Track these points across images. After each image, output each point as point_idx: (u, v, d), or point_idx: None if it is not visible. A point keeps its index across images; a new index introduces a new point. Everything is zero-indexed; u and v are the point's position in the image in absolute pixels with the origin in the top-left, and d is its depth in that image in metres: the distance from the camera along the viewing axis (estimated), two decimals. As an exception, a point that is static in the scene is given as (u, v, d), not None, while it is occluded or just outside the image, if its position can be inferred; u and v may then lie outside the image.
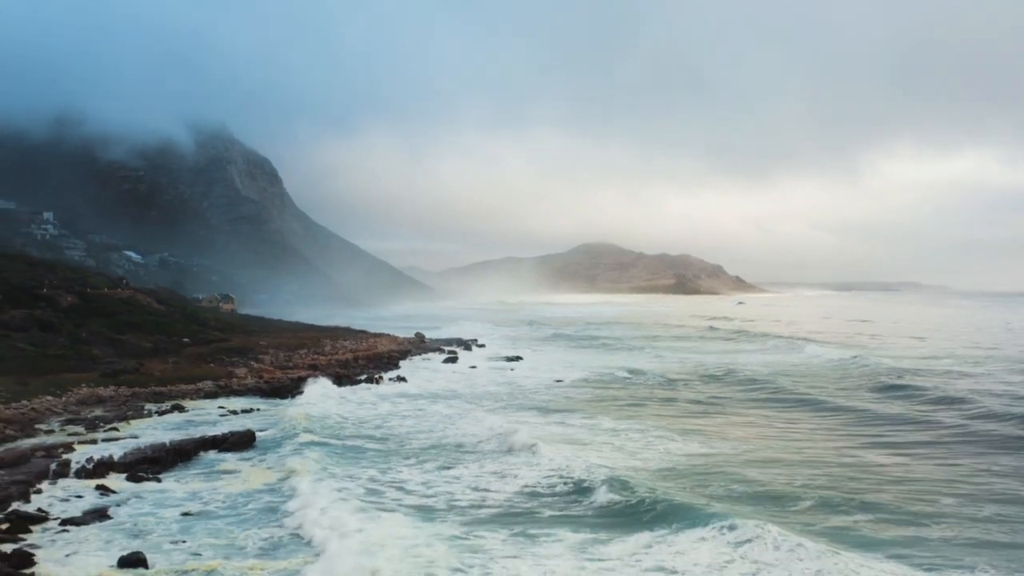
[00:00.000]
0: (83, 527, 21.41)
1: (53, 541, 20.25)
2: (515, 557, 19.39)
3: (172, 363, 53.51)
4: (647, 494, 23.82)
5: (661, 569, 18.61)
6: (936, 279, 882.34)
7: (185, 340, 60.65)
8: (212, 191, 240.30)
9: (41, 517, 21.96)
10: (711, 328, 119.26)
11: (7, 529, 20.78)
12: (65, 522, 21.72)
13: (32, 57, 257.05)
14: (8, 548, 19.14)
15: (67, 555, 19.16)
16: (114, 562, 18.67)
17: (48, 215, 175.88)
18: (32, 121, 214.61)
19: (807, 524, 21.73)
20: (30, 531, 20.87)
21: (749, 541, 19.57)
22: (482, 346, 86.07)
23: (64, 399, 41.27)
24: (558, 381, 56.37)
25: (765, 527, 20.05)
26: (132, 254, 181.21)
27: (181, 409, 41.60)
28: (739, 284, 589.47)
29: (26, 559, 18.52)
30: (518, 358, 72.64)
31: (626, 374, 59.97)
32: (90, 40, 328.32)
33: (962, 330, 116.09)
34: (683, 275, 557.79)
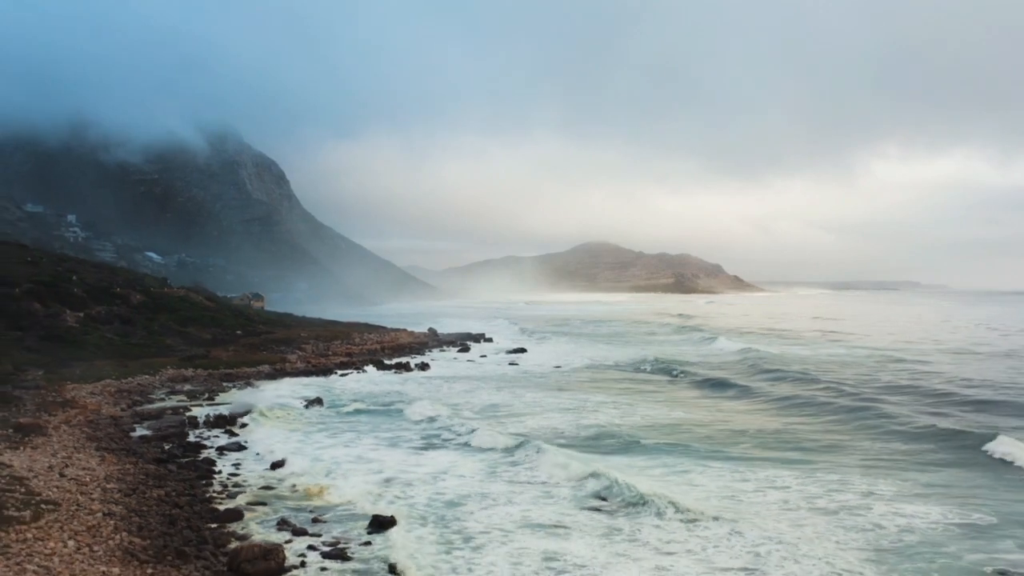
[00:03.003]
0: (233, 452, 31.34)
1: (219, 458, 30.20)
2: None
3: (232, 351, 63.46)
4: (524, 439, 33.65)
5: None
6: (936, 278, 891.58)
7: (238, 332, 70.63)
8: (224, 193, 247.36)
9: (203, 446, 31.98)
10: (666, 324, 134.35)
11: (183, 451, 30.77)
12: (219, 448, 31.71)
13: (46, 63, 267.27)
14: (198, 458, 29.29)
15: (234, 464, 29.12)
16: (268, 466, 28.66)
17: (71, 217, 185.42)
18: (48, 126, 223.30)
19: (593, 448, 32.67)
20: (199, 453, 30.84)
21: (538, 454, 30.32)
22: (489, 340, 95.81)
23: (158, 377, 51.27)
24: (557, 367, 66.45)
25: (549, 445, 31.14)
26: (153, 255, 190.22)
27: (253, 386, 51.65)
28: (737, 283, 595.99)
29: (212, 463, 28.59)
30: (523, 349, 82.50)
31: (597, 362, 70.81)
32: (102, 45, 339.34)
33: (931, 327, 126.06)
34: (682, 274, 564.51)
